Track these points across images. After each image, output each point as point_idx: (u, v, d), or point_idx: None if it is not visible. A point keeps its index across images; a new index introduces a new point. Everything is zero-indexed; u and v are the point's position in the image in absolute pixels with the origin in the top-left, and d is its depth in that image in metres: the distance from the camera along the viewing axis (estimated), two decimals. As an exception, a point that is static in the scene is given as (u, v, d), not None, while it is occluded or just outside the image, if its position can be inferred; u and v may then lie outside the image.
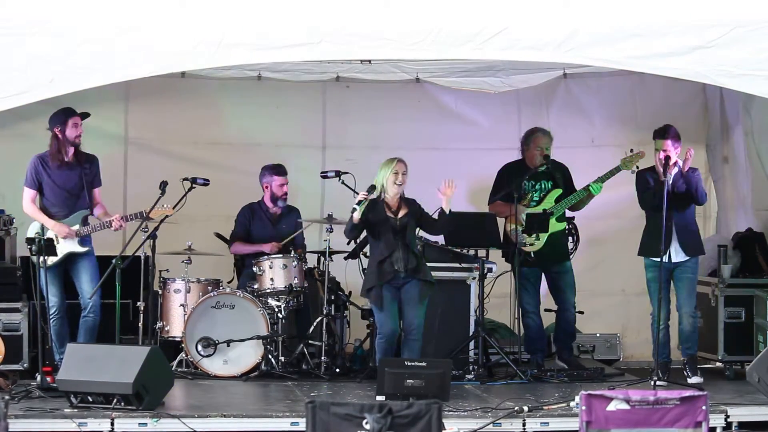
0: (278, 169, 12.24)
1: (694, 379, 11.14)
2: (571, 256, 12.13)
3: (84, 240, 11.11)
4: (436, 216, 10.99)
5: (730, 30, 9.73)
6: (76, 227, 11.04)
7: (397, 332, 10.88)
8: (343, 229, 11.66)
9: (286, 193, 12.23)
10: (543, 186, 11.91)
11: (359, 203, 10.73)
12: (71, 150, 11.07)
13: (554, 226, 11.79)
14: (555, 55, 9.93)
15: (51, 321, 10.98)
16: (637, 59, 9.93)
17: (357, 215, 10.73)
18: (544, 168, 11.84)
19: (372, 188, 10.87)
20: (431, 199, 11.16)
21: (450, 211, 10.84)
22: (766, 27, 9.74)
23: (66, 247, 11.03)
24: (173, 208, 11.07)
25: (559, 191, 11.87)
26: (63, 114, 11.02)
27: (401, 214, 10.92)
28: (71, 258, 11.07)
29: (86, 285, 11.06)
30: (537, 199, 11.90)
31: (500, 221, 11.95)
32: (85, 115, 11.11)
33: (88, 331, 11.05)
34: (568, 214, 12.01)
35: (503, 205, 11.81)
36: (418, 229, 11.17)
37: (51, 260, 10.89)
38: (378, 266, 10.84)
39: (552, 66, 12.41)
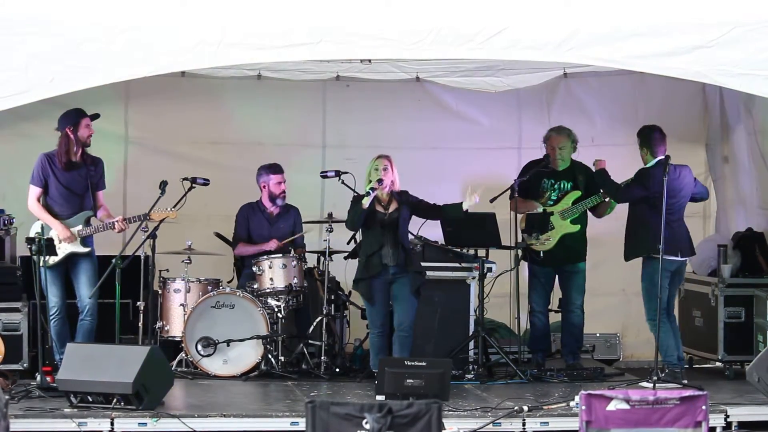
0: (274, 168, 12.25)
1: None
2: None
3: (86, 240, 11.11)
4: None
5: (730, 30, 9.73)
6: (79, 227, 11.05)
7: (388, 325, 10.91)
8: (342, 228, 11.70)
9: (284, 191, 12.23)
10: (563, 186, 11.91)
11: (372, 189, 10.81)
12: (79, 151, 11.08)
13: (568, 227, 11.80)
14: (555, 55, 9.93)
15: (51, 321, 10.97)
16: (637, 59, 9.92)
17: (366, 201, 10.79)
18: (547, 167, 11.84)
19: (381, 181, 10.92)
20: (431, 199, 11.18)
21: (467, 210, 10.89)
22: (766, 27, 9.74)
23: (68, 247, 11.03)
24: (173, 208, 11.09)
25: (578, 193, 11.85)
26: (76, 115, 11.03)
27: (391, 209, 11.00)
28: (72, 258, 11.07)
29: (84, 288, 11.05)
30: (555, 198, 11.90)
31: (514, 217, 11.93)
32: (95, 117, 11.13)
33: (85, 335, 11.04)
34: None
35: (522, 202, 11.80)
36: (422, 222, 11.21)
37: (52, 260, 10.91)
38: (366, 260, 10.96)
39: (552, 66, 12.41)
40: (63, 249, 11.01)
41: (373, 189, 10.86)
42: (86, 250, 11.09)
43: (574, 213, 11.82)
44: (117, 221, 11.04)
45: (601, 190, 11.72)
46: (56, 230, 10.96)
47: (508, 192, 11.61)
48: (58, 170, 11.05)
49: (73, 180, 11.10)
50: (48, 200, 11.09)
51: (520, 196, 11.76)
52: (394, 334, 11.00)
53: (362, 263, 11.02)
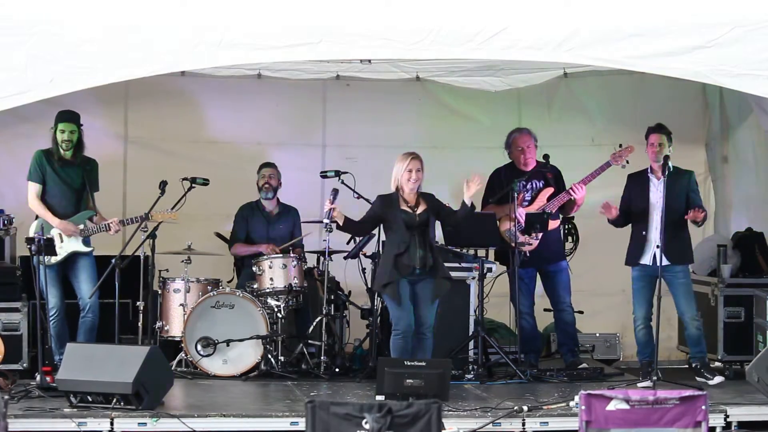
0: (263, 164, 12.30)
1: (717, 379, 11.12)
2: (570, 257, 12.13)
3: (87, 240, 11.11)
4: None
5: (730, 30, 9.74)
6: (81, 226, 11.05)
7: (413, 328, 10.80)
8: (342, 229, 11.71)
9: (267, 183, 12.20)
10: (534, 185, 11.92)
11: (328, 213, 10.63)
12: (67, 151, 11.06)
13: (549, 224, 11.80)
14: (555, 55, 9.93)
15: (51, 322, 10.96)
16: (637, 59, 9.93)
17: (335, 226, 10.75)
18: (533, 169, 11.86)
19: (335, 192, 10.80)
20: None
21: (472, 204, 10.77)
22: (766, 27, 9.74)
23: (70, 246, 11.03)
24: (173, 209, 11.10)
25: (551, 190, 11.87)
26: (58, 117, 11.03)
27: (420, 209, 10.77)
28: (72, 258, 11.07)
29: (85, 285, 11.06)
30: (530, 198, 11.90)
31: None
32: (78, 124, 11.06)
33: (87, 332, 11.05)
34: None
35: (495, 207, 11.80)
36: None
37: (54, 259, 10.91)
38: (395, 260, 10.68)
39: (552, 65, 12.41)
40: (65, 248, 11.01)
41: (328, 212, 10.62)
42: (88, 249, 11.09)
43: (552, 209, 11.82)
44: (112, 223, 11.03)
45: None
46: (59, 228, 10.96)
47: (507, 194, 11.60)
48: (56, 166, 11.05)
49: (70, 176, 11.10)
50: (47, 197, 11.08)
51: (495, 204, 11.74)
52: (416, 337, 10.79)
53: (389, 265, 10.71)
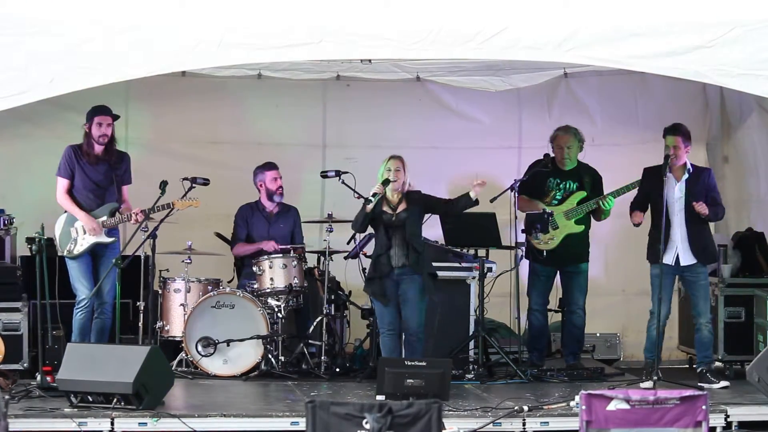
0: (268, 165, 12.27)
1: (722, 383, 11.08)
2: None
3: (111, 232, 11.11)
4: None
5: (730, 30, 9.74)
6: (104, 218, 11.06)
7: (398, 324, 10.85)
8: (342, 228, 11.70)
9: (280, 187, 12.23)
10: (568, 186, 11.87)
11: (374, 195, 10.73)
12: (100, 147, 11.08)
13: (572, 227, 11.77)
14: (555, 55, 9.94)
15: (77, 313, 10.96)
16: (637, 59, 9.93)
17: (369, 207, 10.75)
18: (547, 166, 11.83)
19: (387, 182, 10.85)
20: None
21: (476, 200, 10.82)
22: (766, 27, 9.75)
23: (92, 237, 11.02)
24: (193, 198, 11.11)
25: (583, 194, 11.80)
26: (92, 112, 11.08)
27: (400, 209, 10.90)
28: (97, 250, 11.06)
29: (106, 282, 10.99)
30: (559, 198, 11.87)
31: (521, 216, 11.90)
32: (114, 117, 11.13)
33: (97, 333, 11.04)
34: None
35: (526, 201, 11.78)
36: (428, 217, 11.15)
37: (77, 250, 10.92)
38: (375, 260, 10.89)
39: (552, 65, 12.41)
40: (87, 239, 11.01)
41: (375, 195, 10.78)
42: (110, 240, 11.08)
43: (578, 213, 11.79)
44: (134, 213, 11.04)
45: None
46: (82, 221, 10.97)
47: (509, 192, 11.59)
48: (84, 163, 11.07)
49: (97, 173, 11.12)
50: (74, 193, 11.10)
51: (525, 195, 11.72)
52: (404, 339, 10.90)
53: (372, 263, 10.96)
